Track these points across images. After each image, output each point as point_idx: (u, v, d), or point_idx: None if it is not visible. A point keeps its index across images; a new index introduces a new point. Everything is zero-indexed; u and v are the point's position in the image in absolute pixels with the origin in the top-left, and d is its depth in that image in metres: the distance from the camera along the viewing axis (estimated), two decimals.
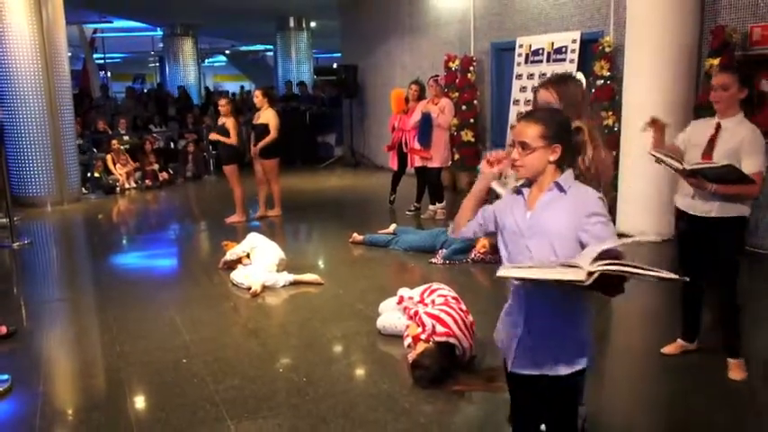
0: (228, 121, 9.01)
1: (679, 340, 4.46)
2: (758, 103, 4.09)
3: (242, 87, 27.66)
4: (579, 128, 2.51)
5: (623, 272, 2.03)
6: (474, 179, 9.84)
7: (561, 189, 2.46)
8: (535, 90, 3.28)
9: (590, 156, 2.53)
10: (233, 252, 6.65)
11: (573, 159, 2.52)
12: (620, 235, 7.75)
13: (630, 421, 3.75)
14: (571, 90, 3.16)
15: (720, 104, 3.93)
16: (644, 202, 7.57)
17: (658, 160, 4.17)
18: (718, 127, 3.95)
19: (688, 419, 3.72)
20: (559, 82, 3.20)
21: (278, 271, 6.34)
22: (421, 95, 9.26)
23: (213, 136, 9.22)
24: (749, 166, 3.79)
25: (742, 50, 6.95)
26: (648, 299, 5.61)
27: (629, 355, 4.74)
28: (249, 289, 6.03)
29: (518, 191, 2.60)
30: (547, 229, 2.44)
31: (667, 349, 4.45)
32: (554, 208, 2.45)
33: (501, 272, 2.32)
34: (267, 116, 8.99)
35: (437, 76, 9.51)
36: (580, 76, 9.10)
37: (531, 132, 2.45)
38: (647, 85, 7.35)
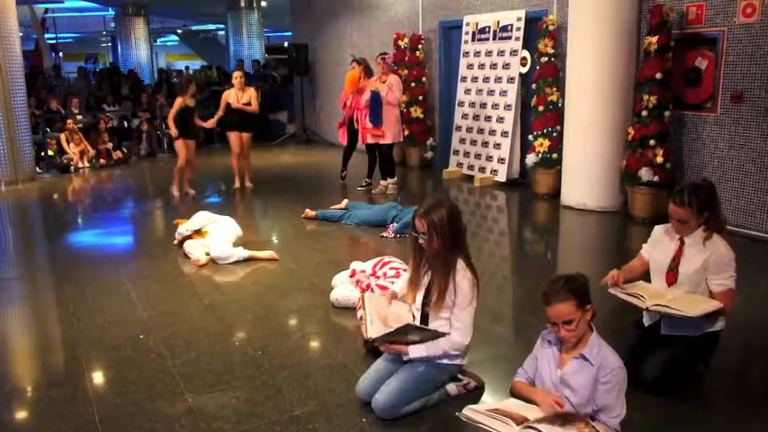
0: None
1: None
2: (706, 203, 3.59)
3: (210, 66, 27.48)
4: (582, 275, 2.96)
5: None
6: (424, 154, 9.88)
7: (586, 359, 2.88)
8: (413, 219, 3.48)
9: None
10: (179, 232, 6.68)
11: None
12: (565, 207, 8.02)
13: None
14: (435, 219, 3.34)
15: (682, 234, 3.67)
16: (587, 174, 7.82)
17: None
18: (682, 243, 3.68)
19: None
20: (425, 213, 3.37)
21: (234, 246, 6.42)
22: (367, 73, 9.33)
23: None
24: (717, 286, 3.58)
25: (678, 29, 7.21)
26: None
27: None
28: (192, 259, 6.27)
29: (550, 341, 3.06)
30: (571, 388, 2.94)
31: None
32: (580, 374, 2.91)
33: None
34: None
35: (385, 53, 9.59)
36: (525, 53, 9.41)
37: (568, 309, 2.81)
38: (589, 62, 7.57)
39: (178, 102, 9.43)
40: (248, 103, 9.60)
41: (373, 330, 3.47)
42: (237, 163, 9.92)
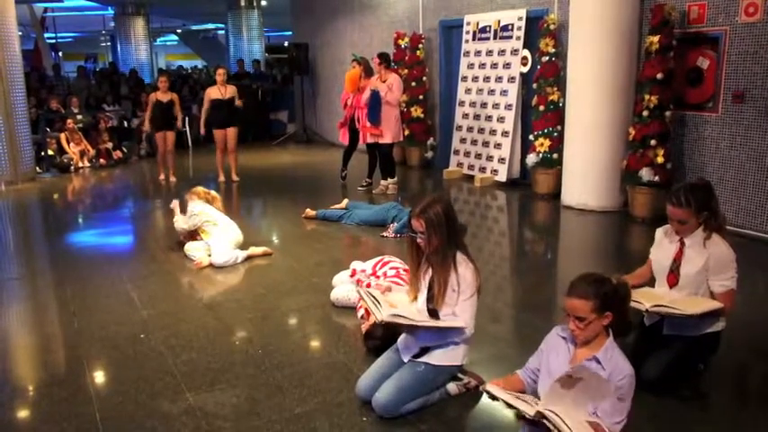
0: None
1: None
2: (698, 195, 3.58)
3: (206, 67, 27.50)
4: (623, 283, 2.89)
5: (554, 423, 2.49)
6: (424, 154, 9.84)
7: (599, 363, 2.80)
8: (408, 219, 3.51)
9: None
10: (179, 228, 6.65)
11: (624, 323, 2.90)
12: (566, 207, 8.02)
13: None
14: (432, 216, 3.36)
15: (682, 235, 3.67)
16: (587, 174, 7.81)
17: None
18: (682, 244, 3.69)
19: None
20: (422, 212, 3.38)
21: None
22: (367, 72, 9.32)
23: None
24: (719, 287, 3.59)
25: (680, 28, 7.20)
26: None
27: None
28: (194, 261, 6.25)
29: (565, 338, 2.96)
30: None
31: None
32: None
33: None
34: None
35: (381, 54, 9.57)
36: (526, 52, 9.39)
37: (583, 307, 2.75)
38: (590, 61, 7.57)
39: (151, 99, 10.57)
40: (233, 99, 10.25)
41: (383, 313, 3.43)
42: (222, 158, 10.53)
